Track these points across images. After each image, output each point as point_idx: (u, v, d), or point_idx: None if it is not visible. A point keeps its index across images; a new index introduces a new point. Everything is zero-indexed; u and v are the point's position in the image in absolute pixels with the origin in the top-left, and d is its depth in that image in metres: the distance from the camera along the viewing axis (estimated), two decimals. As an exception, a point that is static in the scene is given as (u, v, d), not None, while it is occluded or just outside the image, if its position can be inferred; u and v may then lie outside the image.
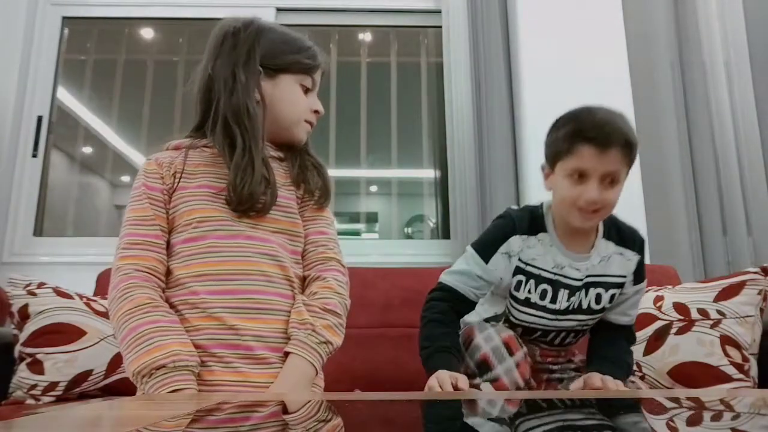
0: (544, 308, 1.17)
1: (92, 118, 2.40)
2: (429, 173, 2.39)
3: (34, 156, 2.15)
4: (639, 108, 2.10)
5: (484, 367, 1.08)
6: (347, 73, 2.42)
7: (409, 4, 2.38)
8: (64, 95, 2.33)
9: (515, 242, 1.15)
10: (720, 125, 2.09)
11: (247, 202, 0.98)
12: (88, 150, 2.46)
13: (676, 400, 0.64)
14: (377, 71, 2.44)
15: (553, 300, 1.17)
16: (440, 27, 2.24)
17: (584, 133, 1.06)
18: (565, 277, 1.16)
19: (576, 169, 1.08)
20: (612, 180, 1.08)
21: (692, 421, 0.51)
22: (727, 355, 1.42)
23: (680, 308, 1.53)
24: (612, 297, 1.19)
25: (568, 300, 1.17)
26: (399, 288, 1.73)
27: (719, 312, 1.47)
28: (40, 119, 2.18)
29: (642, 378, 1.51)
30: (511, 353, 1.08)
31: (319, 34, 2.44)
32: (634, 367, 1.53)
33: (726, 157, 2.06)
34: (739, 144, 2.08)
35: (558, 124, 1.13)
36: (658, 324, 1.54)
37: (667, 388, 1.47)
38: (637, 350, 1.55)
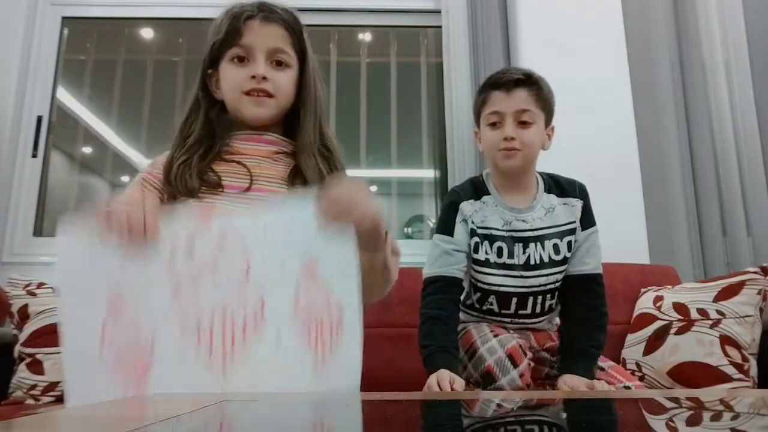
0: (503, 265, 1.24)
1: (92, 118, 2.40)
2: (429, 173, 2.39)
3: (34, 156, 2.15)
4: (639, 108, 2.10)
5: (488, 378, 1.12)
6: (347, 73, 2.42)
7: (409, 4, 2.38)
8: (64, 95, 2.33)
9: (465, 207, 1.26)
10: (720, 125, 2.09)
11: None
12: (88, 150, 2.46)
13: (676, 400, 0.64)
14: (377, 71, 2.44)
15: (510, 255, 1.24)
16: (440, 27, 2.24)
17: (491, 81, 1.24)
18: (516, 230, 1.24)
19: (490, 114, 1.23)
20: (525, 120, 1.21)
21: (692, 421, 0.51)
22: (726, 355, 1.42)
23: (680, 308, 1.53)
24: (569, 244, 1.24)
25: (524, 252, 1.24)
26: (398, 288, 1.71)
27: (719, 312, 1.47)
28: (40, 119, 2.17)
29: (642, 378, 1.51)
30: (515, 365, 1.12)
31: (319, 34, 2.44)
32: (634, 366, 1.53)
33: (726, 158, 2.06)
34: (739, 144, 2.08)
35: (477, 91, 1.31)
36: (657, 324, 1.54)
37: (667, 388, 1.47)
38: (637, 350, 1.56)
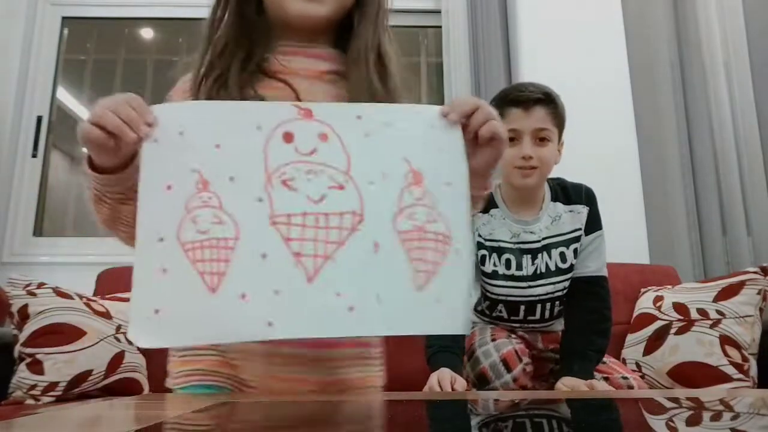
0: (512, 277, 1.26)
1: (92, 118, 2.40)
2: (429, 173, 2.39)
3: (34, 156, 2.15)
4: (639, 108, 2.10)
5: (483, 380, 1.16)
6: (347, 73, 2.42)
7: (409, 4, 2.37)
8: (64, 95, 2.33)
9: (474, 220, 1.26)
10: (720, 125, 2.09)
11: None
12: (87, 150, 2.46)
13: (676, 400, 0.64)
14: (377, 71, 2.43)
15: (519, 267, 1.25)
16: (440, 27, 2.24)
17: (509, 97, 1.23)
18: (524, 242, 1.26)
19: (508, 131, 1.22)
20: (543, 138, 1.22)
21: (692, 421, 0.51)
22: (726, 355, 1.42)
23: (680, 308, 1.53)
24: (575, 252, 1.26)
25: (532, 263, 1.25)
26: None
27: (719, 312, 1.47)
28: (39, 119, 2.17)
29: (642, 378, 1.51)
30: (509, 369, 1.14)
31: (319, 34, 2.44)
32: (634, 366, 1.53)
33: (726, 157, 2.06)
34: (739, 144, 2.08)
35: (490, 102, 1.26)
36: (657, 324, 1.54)
37: (667, 388, 1.47)
38: (637, 350, 1.56)
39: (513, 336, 1.24)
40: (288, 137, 0.61)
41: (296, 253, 0.57)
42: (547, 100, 1.22)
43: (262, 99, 0.75)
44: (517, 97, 1.21)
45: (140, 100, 0.63)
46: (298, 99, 0.77)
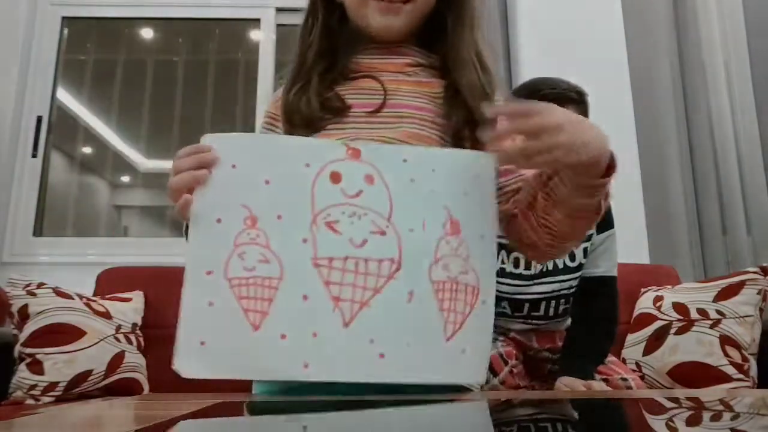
0: (519, 276, 1.23)
1: (92, 118, 2.40)
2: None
3: (34, 156, 2.15)
4: (639, 108, 2.10)
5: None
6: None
7: (409, 4, 2.37)
8: (64, 95, 2.33)
9: None
10: (720, 125, 2.09)
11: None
12: (87, 150, 2.47)
13: (675, 400, 0.64)
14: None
15: (527, 266, 1.24)
16: (440, 27, 2.24)
17: (541, 91, 1.16)
18: None
19: None
20: None
21: (692, 421, 0.51)
22: (726, 355, 1.42)
23: (680, 308, 1.53)
24: (585, 251, 1.23)
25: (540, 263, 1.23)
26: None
27: (719, 312, 1.47)
28: (39, 119, 2.17)
29: (642, 378, 1.51)
30: (495, 373, 1.14)
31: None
32: (634, 366, 1.53)
33: (726, 157, 2.06)
34: (739, 144, 2.08)
35: (514, 94, 1.23)
36: (657, 324, 1.54)
37: (667, 388, 1.47)
38: (637, 350, 1.56)
39: (500, 339, 1.24)
40: (335, 177, 0.63)
41: (335, 297, 0.60)
42: (579, 99, 1.19)
43: (341, 100, 0.79)
44: (551, 93, 1.16)
45: (190, 147, 0.66)
46: (383, 88, 0.80)
